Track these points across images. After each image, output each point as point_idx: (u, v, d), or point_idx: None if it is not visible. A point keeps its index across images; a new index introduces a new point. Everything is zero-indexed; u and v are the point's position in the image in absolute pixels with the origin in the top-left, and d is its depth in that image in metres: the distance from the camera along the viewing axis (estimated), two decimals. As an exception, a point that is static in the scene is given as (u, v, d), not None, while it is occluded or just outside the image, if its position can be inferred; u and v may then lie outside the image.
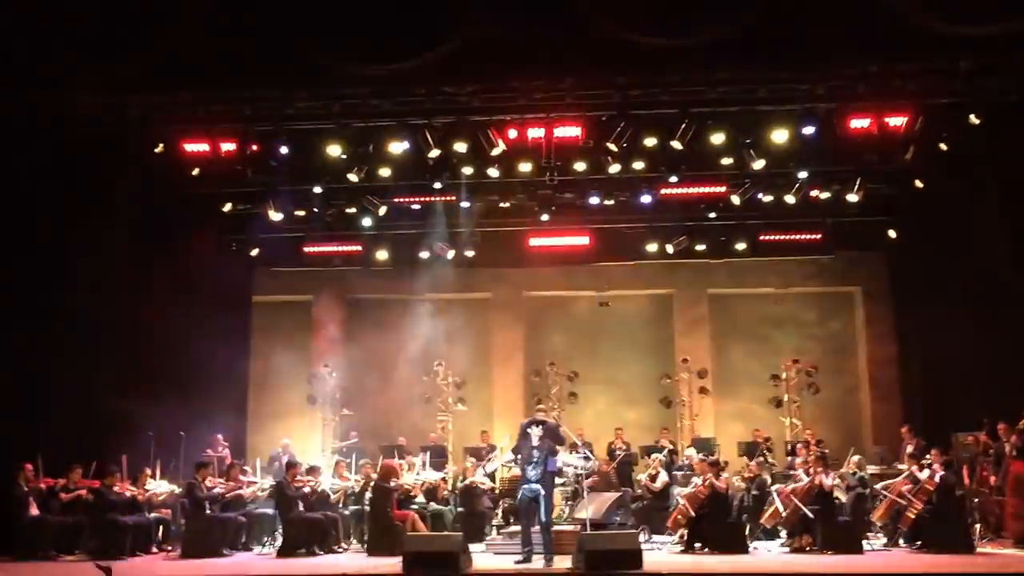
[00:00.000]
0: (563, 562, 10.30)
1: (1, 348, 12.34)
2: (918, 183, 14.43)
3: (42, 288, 12.80)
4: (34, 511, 11.99)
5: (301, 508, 12.12)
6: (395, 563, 10.21)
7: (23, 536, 11.76)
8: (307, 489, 12.26)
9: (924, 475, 11.48)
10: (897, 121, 12.86)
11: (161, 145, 13.46)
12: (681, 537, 12.00)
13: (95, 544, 11.87)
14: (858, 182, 14.35)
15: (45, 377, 12.59)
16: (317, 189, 14.75)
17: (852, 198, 14.53)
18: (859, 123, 12.88)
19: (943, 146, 13.37)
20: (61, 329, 12.92)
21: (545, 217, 15.41)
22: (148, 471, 12.90)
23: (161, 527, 12.74)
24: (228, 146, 13.48)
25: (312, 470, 12.88)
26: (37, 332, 12.63)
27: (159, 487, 12.83)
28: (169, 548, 12.42)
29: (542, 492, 10.45)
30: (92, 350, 13.19)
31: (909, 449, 12.78)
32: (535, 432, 10.63)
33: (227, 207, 15.33)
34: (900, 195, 15.21)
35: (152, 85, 12.01)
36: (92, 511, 12.10)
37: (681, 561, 10.95)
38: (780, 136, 13.07)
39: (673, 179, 14.53)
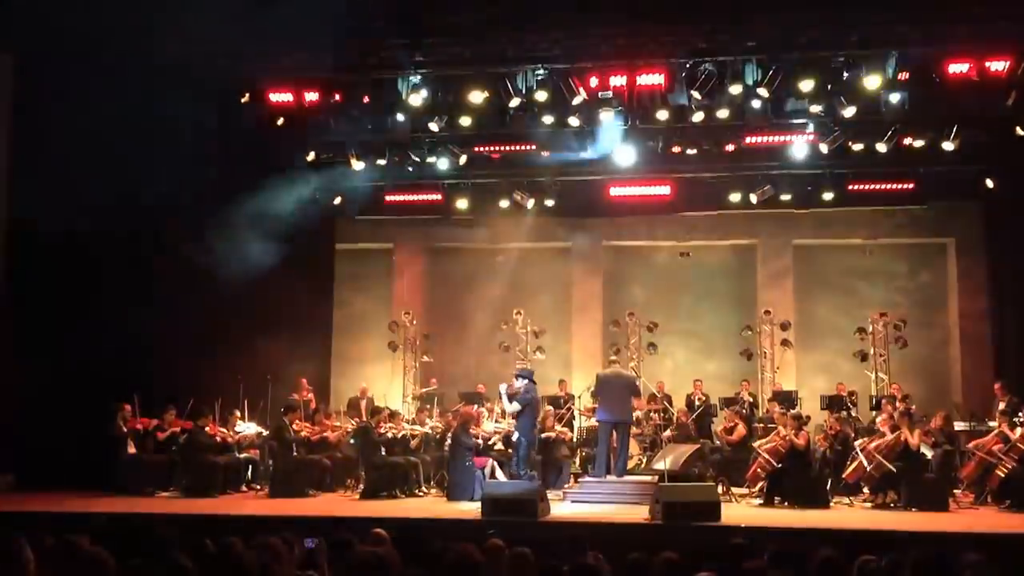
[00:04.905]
0: (641, 511, 10.36)
1: (97, 296, 12.80)
2: (1019, 130, 13.76)
3: (131, 238, 13.17)
4: (131, 450, 12.58)
5: (384, 452, 12.41)
6: (474, 508, 10.41)
7: (121, 473, 12.38)
8: (390, 434, 12.54)
9: (1016, 433, 11.16)
10: (999, 66, 12.25)
11: (247, 95, 13.65)
12: (760, 490, 11.93)
13: (188, 482, 12.42)
14: (955, 129, 13.76)
15: (141, 323, 13.01)
16: (398, 138, 14.78)
17: (948, 146, 13.93)
18: (958, 68, 12.30)
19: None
20: (152, 276, 13.34)
21: (627, 165, 15.16)
22: (237, 413, 13.36)
23: (250, 467, 13.22)
24: (311, 95, 13.60)
25: (393, 415, 13.15)
26: (131, 281, 13.06)
27: (247, 429, 13.28)
28: (258, 487, 12.88)
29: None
30: (183, 297, 13.58)
31: (1001, 406, 12.40)
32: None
33: (310, 156, 15.49)
34: (999, 143, 14.53)
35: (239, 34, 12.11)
36: (185, 451, 12.62)
37: (760, 514, 10.91)
38: (873, 82, 12.55)
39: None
